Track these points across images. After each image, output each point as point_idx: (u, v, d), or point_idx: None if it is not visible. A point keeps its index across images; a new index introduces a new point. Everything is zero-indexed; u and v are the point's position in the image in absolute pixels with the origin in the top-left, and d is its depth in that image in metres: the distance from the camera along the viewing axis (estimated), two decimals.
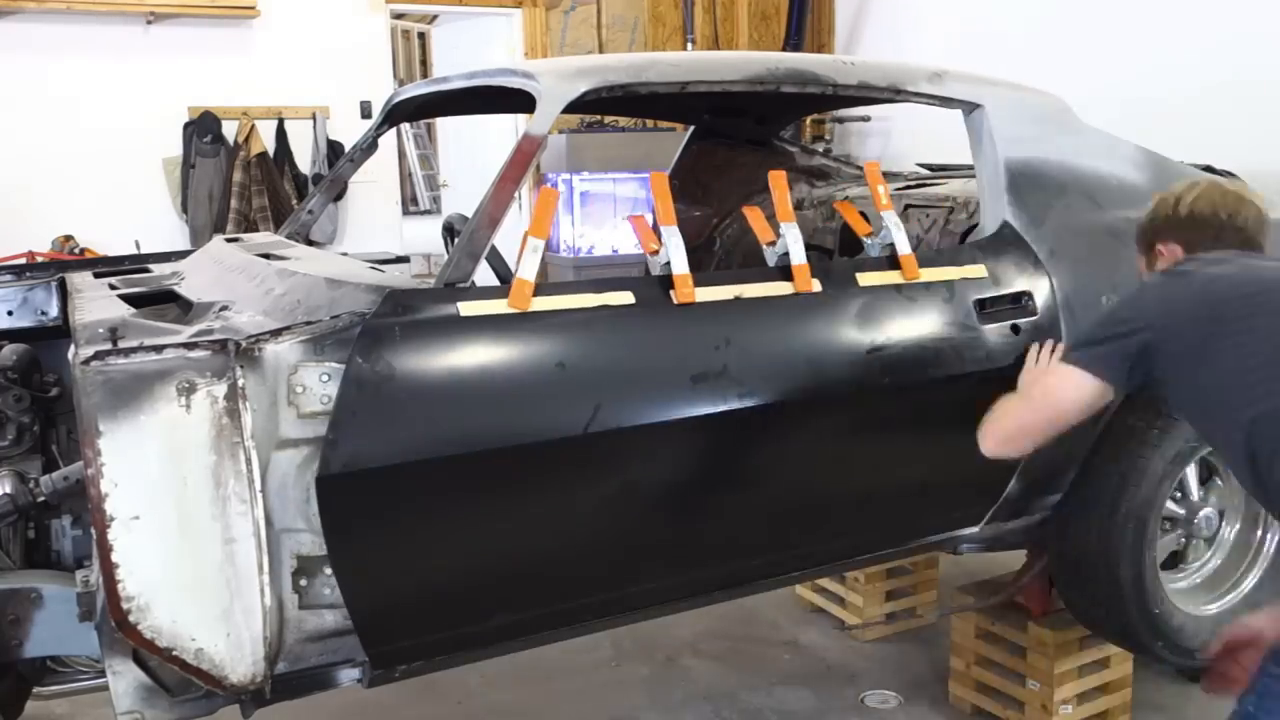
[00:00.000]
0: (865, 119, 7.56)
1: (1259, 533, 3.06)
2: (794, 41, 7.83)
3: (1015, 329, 2.55)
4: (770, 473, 2.41)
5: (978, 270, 2.56)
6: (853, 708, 3.23)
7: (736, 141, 3.84)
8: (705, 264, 3.87)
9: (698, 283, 2.25)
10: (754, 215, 2.45)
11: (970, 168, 2.87)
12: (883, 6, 7.68)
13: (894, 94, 2.68)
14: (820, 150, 4.19)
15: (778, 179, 2.41)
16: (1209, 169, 3.27)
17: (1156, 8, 5.66)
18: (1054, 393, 2.16)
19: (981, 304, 2.54)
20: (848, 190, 3.64)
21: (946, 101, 2.71)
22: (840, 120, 7.72)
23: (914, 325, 2.46)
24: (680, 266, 2.23)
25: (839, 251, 3.54)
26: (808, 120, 7.53)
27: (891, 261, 2.49)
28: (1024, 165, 2.72)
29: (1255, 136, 4.89)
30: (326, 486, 1.91)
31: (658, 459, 2.24)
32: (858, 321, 2.41)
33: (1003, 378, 2.48)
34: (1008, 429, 2.23)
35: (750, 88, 2.49)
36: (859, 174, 3.88)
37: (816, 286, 2.37)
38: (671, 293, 2.23)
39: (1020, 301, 2.57)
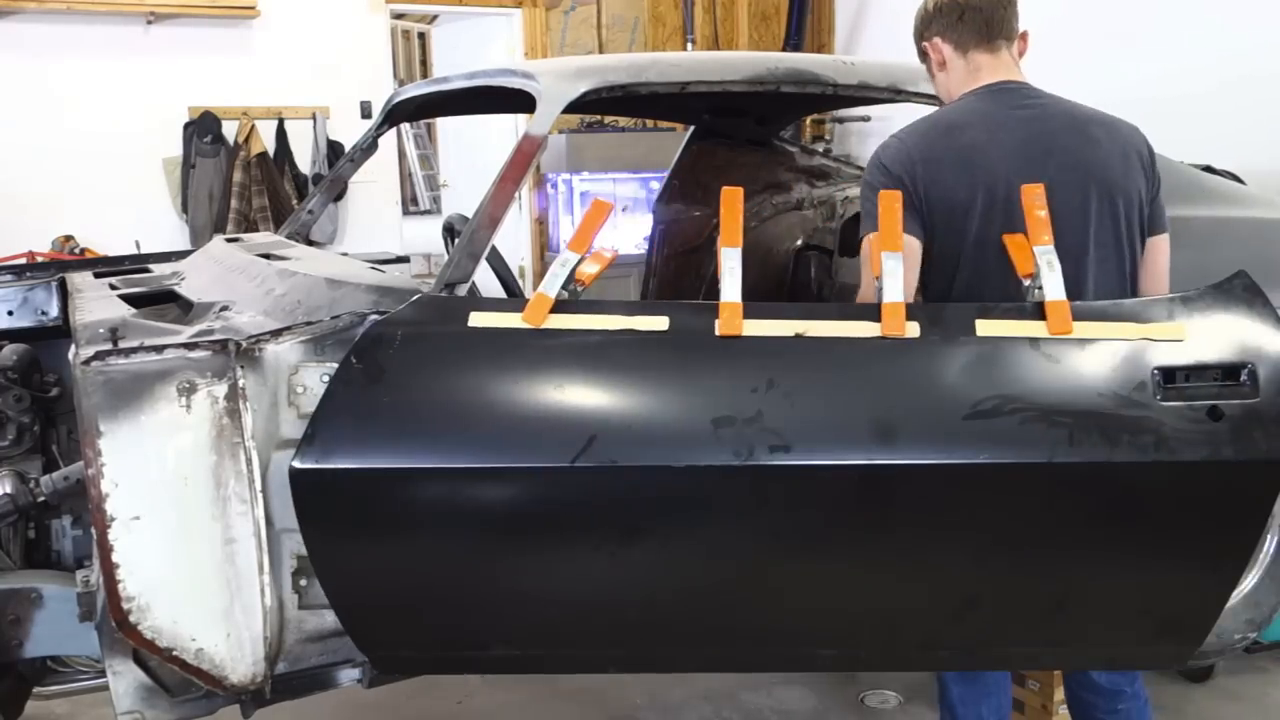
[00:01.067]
0: (865, 119, 7.56)
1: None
2: (794, 41, 7.82)
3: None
4: (786, 551, 2.02)
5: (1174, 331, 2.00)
6: (853, 708, 3.23)
7: (736, 141, 3.84)
8: (705, 265, 3.88)
9: (758, 314, 1.95)
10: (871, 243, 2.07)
11: None
12: (883, 6, 7.67)
13: (894, 94, 2.68)
14: (820, 150, 4.19)
15: (889, 203, 1.98)
16: (1209, 169, 3.26)
17: (1156, 8, 5.66)
18: None
19: (1169, 375, 1.95)
20: (848, 191, 3.64)
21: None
22: (840, 120, 7.71)
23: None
24: (731, 293, 1.94)
25: (839, 252, 3.54)
26: (808, 120, 7.52)
27: (1036, 309, 1.97)
28: None
29: (1255, 136, 4.89)
30: (299, 478, 1.86)
31: (653, 506, 1.95)
32: (961, 380, 1.94)
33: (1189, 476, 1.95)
34: None
35: (750, 88, 2.49)
36: (859, 174, 3.88)
37: (913, 331, 1.94)
38: (717, 322, 1.93)
39: None
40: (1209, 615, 2.09)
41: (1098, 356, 1.94)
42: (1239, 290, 2.03)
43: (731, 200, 1.96)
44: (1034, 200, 1.99)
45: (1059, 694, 2.94)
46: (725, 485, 1.91)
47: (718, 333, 1.92)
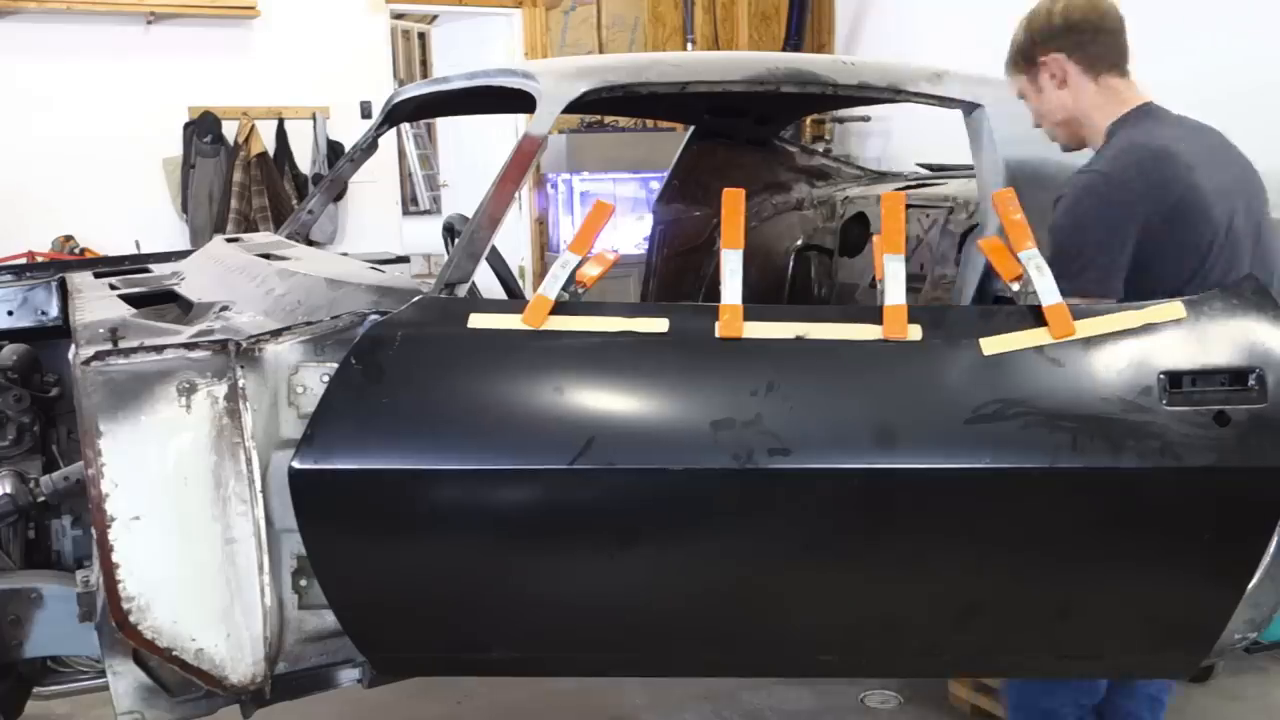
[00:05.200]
0: (865, 119, 7.56)
1: None
2: (794, 41, 7.82)
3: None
4: (786, 555, 1.99)
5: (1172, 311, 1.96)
6: (853, 708, 3.23)
7: (736, 141, 3.84)
8: (704, 265, 3.88)
9: (759, 316, 1.94)
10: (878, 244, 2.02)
11: (970, 168, 2.87)
12: (883, 6, 7.67)
13: (894, 94, 2.67)
14: (820, 150, 4.19)
15: (893, 205, 1.96)
16: None
17: (1157, 8, 5.66)
18: None
19: (1175, 379, 1.91)
20: (848, 191, 3.64)
21: (946, 101, 2.71)
22: (840, 120, 7.71)
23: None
24: (732, 295, 1.92)
25: (839, 252, 3.54)
26: (808, 120, 7.52)
27: (1036, 314, 1.94)
28: (1024, 165, 2.71)
29: (1256, 136, 4.89)
30: (297, 478, 1.86)
31: (651, 509, 1.93)
32: (963, 384, 1.92)
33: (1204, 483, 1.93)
34: None
35: (750, 88, 2.48)
36: (859, 174, 3.88)
37: (915, 334, 1.92)
38: (716, 324, 1.92)
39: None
40: (1217, 623, 2.06)
41: (1102, 360, 1.92)
42: (1248, 293, 1.99)
43: (733, 201, 1.94)
44: (1008, 206, 1.96)
45: None
46: (723, 488, 1.89)
47: (718, 334, 1.92)
